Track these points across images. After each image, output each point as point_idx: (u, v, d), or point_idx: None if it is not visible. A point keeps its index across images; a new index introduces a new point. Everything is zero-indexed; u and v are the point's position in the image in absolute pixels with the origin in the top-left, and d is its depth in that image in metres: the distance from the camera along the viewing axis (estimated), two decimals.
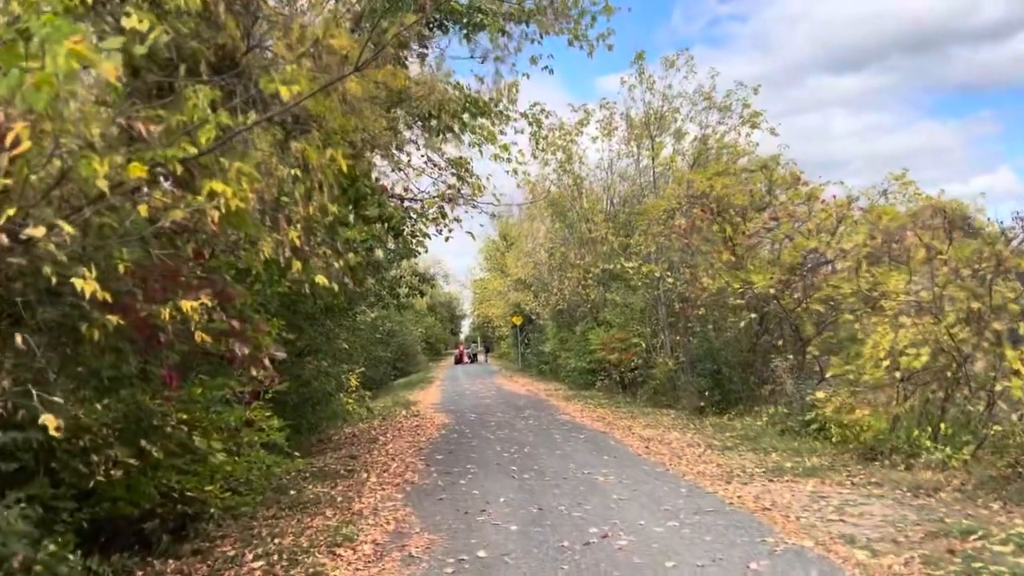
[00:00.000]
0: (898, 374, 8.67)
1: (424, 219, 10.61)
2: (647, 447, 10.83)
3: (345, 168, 4.93)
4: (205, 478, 6.44)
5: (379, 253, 12.33)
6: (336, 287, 6.14)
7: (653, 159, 18.17)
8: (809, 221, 12.32)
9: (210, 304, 4.95)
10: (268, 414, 9.87)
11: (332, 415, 15.06)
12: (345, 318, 14.08)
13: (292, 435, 13.48)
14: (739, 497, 7.30)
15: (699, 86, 19.53)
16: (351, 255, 9.19)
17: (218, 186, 4.28)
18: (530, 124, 13.79)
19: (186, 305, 4.72)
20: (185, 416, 6.13)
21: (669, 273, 18.05)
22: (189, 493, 6.24)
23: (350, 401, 17.20)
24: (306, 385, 13.49)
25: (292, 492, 8.38)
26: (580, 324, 24.34)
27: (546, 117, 14.21)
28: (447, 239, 11.19)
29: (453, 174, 11.72)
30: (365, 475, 9.41)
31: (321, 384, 13.84)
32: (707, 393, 14.86)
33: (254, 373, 6.07)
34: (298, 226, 5.28)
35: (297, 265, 5.44)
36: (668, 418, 14.62)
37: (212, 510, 6.53)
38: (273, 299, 8.53)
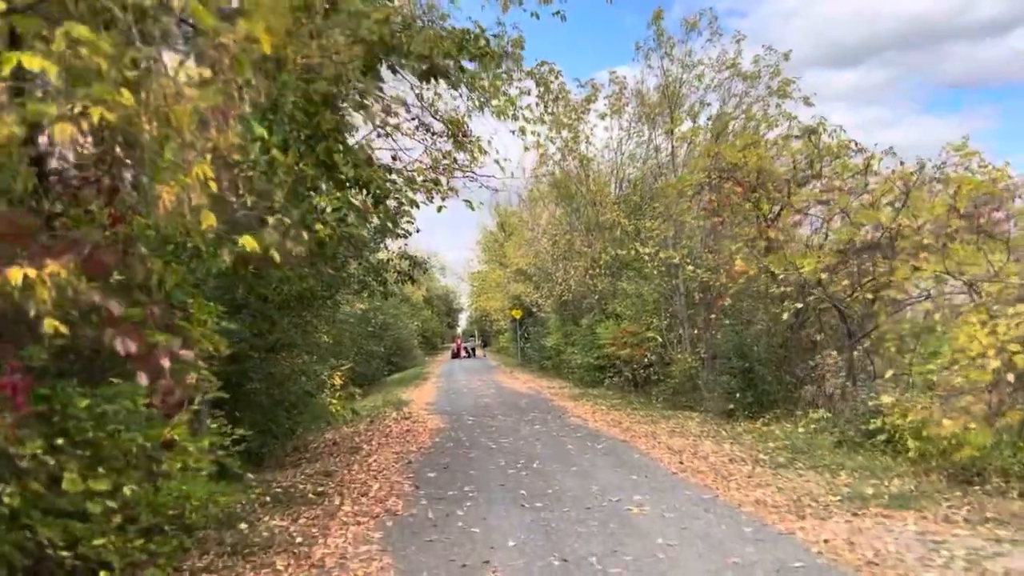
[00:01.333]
0: (1011, 376, 6.84)
1: (412, 186, 8.78)
2: (681, 462, 9.01)
3: (268, 49, 3.08)
4: (98, 524, 4.61)
5: (361, 232, 10.55)
6: (276, 256, 4.36)
7: (672, 131, 16.30)
8: (867, 194, 10.50)
9: (66, 275, 3.22)
10: (222, 428, 8.12)
11: (312, 419, 13.23)
12: (324, 308, 12.23)
13: (263, 444, 11.70)
14: (826, 542, 5.48)
15: (722, 52, 17.65)
16: (320, 226, 7.44)
17: (33, 61, 2.49)
18: (537, 85, 11.97)
19: (14, 275, 2.99)
20: (62, 440, 4.30)
21: (688, 260, 16.24)
22: (81, 548, 4.44)
23: (334, 402, 15.40)
24: (279, 385, 11.68)
25: (243, 526, 6.55)
26: (587, 317, 22.53)
27: (555, 78, 12.35)
28: (440, 209, 9.37)
29: (449, 136, 9.88)
30: (338, 501, 7.57)
31: (296, 384, 12.03)
32: (737, 395, 13.05)
33: (169, 380, 4.41)
34: (207, 159, 3.47)
35: (210, 219, 3.63)
36: (693, 423, 12.82)
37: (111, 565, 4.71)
38: (208, 278, 6.67)
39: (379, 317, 31.59)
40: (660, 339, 17.38)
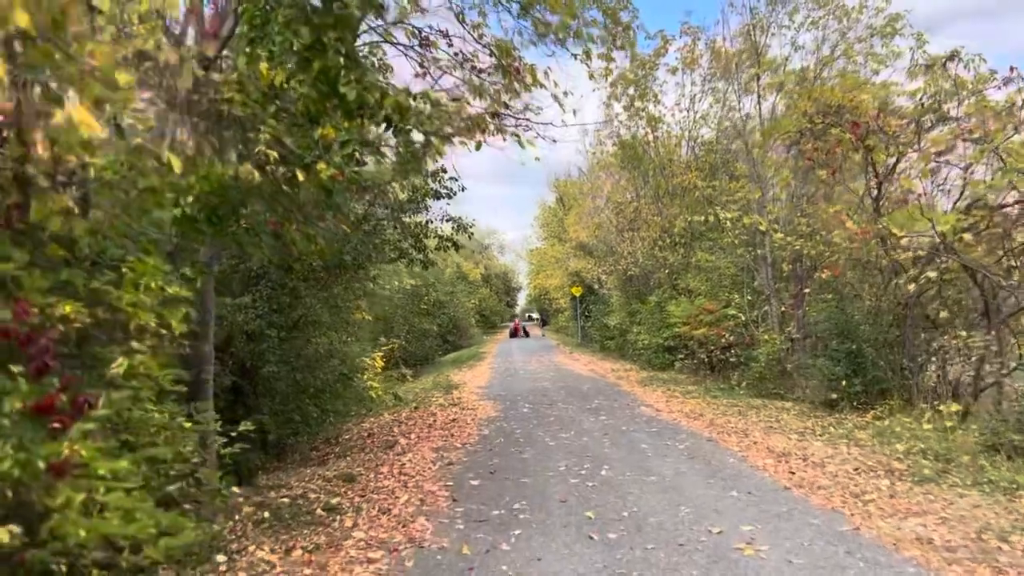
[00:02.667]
0: None
1: (441, 114, 6.95)
2: (791, 472, 7.07)
3: None
4: None
5: (378, 175, 8.82)
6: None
7: (758, 76, 14.07)
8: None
9: None
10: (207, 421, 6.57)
11: (346, 406, 11.70)
12: (356, 280, 10.59)
13: (283, 436, 10.19)
14: None
15: None
16: (322, 166, 5.75)
17: None
18: (605, 16, 9.97)
19: None
20: None
21: (777, 226, 14.09)
22: None
23: (375, 386, 13.86)
24: (304, 369, 10.13)
25: (220, 558, 4.94)
26: (655, 293, 20.48)
27: (635, 18, 10.28)
28: (479, 146, 7.54)
29: (497, 68, 8.04)
30: (350, 522, 5.90)
31: (326, 367, 10.48)
32: (843, 382, 10.95)
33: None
34: None
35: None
36: (789, 415, 10.80)
37: None
38: (161, 228, 5.02)
39: (432, 294, 30.11)
40: (743, 317, 15.27)
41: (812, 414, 11.00)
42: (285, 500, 6.68)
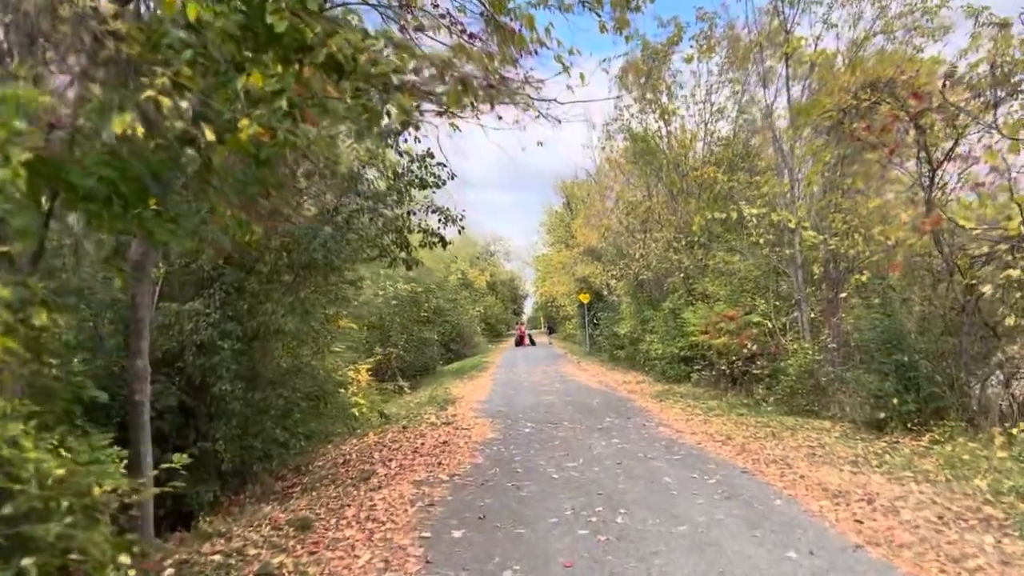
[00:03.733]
0: None
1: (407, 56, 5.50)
2: (856, 518, 5.60)
3: None
4: None
5: (373, 177, 7.49)
6: None
7: (786, 57, 12.57)
8: None
9: None
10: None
11: (319, 429, 10.29)
12: (330, 283, 9.17)
13: (241, 465, 8.77)
14: None
15: None
16: (244, 121, 4.36)
17: None
18: None
19: None
20: None
21: (807, 223, 12.63)
22: None
23: (360, 402, 12.44)
24: (266, 387, 8.72)
25: None
26: (669, 299, 18.98)
27: None
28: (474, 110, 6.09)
29: (487, 20, 6.66)
30: None
31: (294, 384, 9.07)
32: (894, 399, 9.47)
33: None
34: None
35: None
36: (832, 438, 9.31)
37: None
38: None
39: (433, 300, 28.70)
40: (769, 324, 13.78)
41: (856, 436, 9.52)
42: (216, 558, 5.24)
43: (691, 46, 17.87)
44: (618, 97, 18.34)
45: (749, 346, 14.96)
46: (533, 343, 50.74)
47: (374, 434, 11.73)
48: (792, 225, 12.68)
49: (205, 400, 8.37)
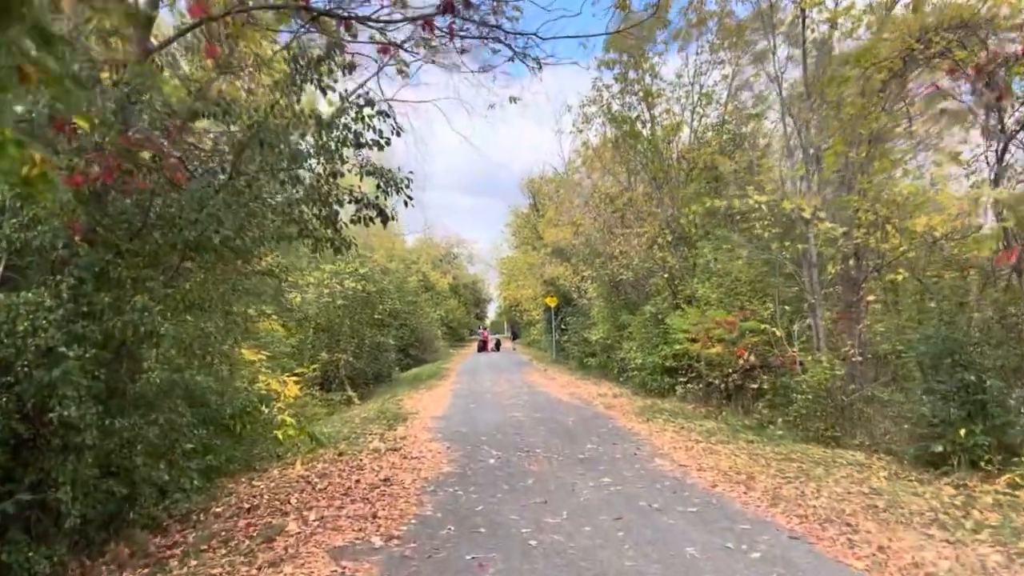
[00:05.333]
0: None
1: None
2: None
3: None
4: None
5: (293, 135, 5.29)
6: None
7: (803, 12, 10.51)
8: None
9: None
10: None
11: (226, 460, 7.99)
12: (231, 270, 6.84)
13: (110, 515, 6.41)
14: None
15: None
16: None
17: None
18: None
19: None
20: None
21: (822, 212, 10.72)
22: None
23: (287, 421, 10.15)
24: (132, 408, 6.38)
25: None
26: (651, 302, 16.94)
27: None
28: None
29: None
30: None
31: (167, 407, 6.73)
32: (960, 431, 7.50)
33: None
34: None
35: None
36: (881, 478, 7.30)
37: None
38: None
39: (388, 302, 26.34)
40: (777, 332, 11.79)
41: (910, 476, 7.54)
42: None
43: (679, 17, 15.95)
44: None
45: (746, 357, 13.01)
46: (498, 349, 48.51)
47: (302, 463, 9.41)
48: (806, 215, 10.72)
49: (48, 428, 6.02)
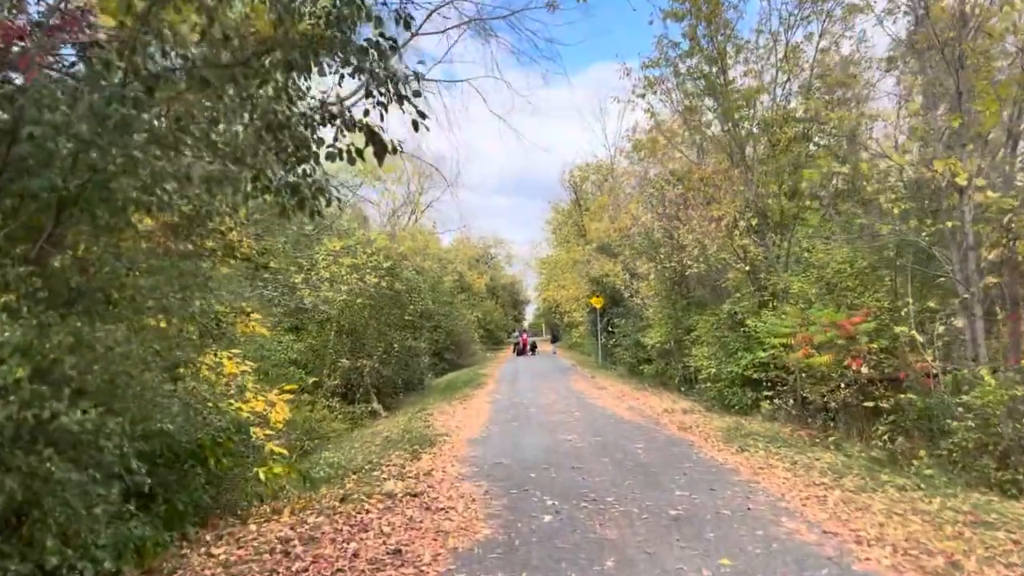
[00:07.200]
0: None
1: None
2: None
3: None
4: None
5: None
6: None
7: None
8: None
9: None
10: None
11: (182, 511, 5.60)
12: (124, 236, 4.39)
13: None
14: None
15: None
16: None
17: None
18: None
19: None
20: None
21: (981, 180, 8.00)
22: None
23: (276, 451, 7.79)
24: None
25: None
26: (729, 301, 14.19)
27: None
28: None
29: None
30: None
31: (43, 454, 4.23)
32: None
33: None
34: None
35: None
36: None
37: None
38: None
39: (419, 302, 23.94)
40: (917, 337, 9.02)
41: None
42: None
43: None
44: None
45: (857, 368, 10.29)
46: (535, 351, 45.92)
47: (290, 511, 6.99)
48: (961, 180, 7.98)
49: None
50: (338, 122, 3.97)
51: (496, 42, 26.46)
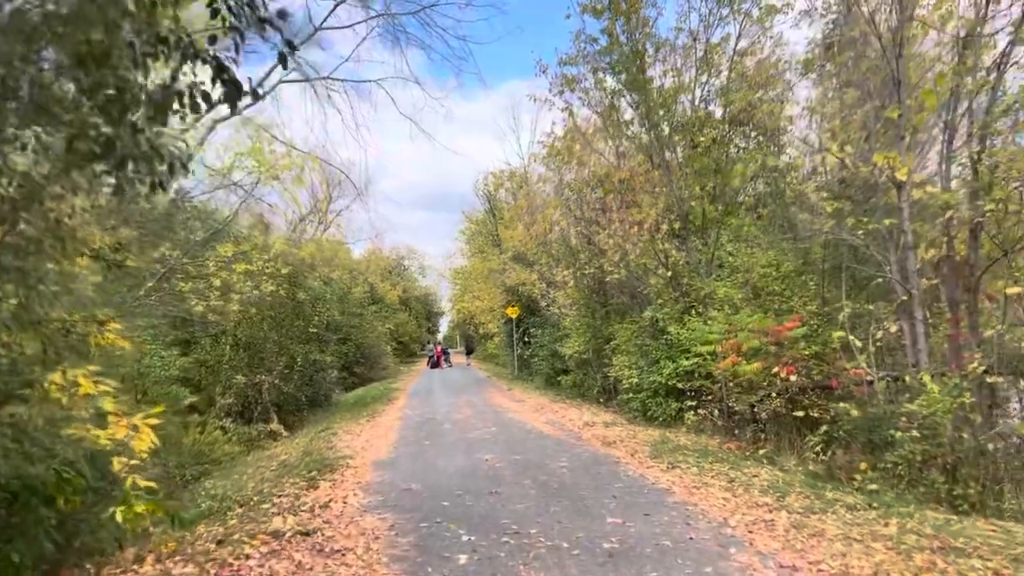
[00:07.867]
0: None
1: None
2: None
3: None
4: None
5: None
6: None
7: None
8: None
9: None
10: None
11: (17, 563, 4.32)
12: None
13: None
14: None
15: None
16: None
17: None
18: None
19: None
20: None
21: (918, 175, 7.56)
22: None
23: (143, 485, 6.47)
24: None
25: None
26: (651, 308, 13.58)
27: None
28: None
29: None
30: None
31: None
32: None
33: None
34: None
35: None
36: None
37: None
38: None
39: (324, 312, 22.56)
40: (856, 342, 8.51)
41: None
42: None
43: None
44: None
45: (787, 376, 9.81)
46: (450, 363, 44.78)
47: (154, 559, 5.80)
48: (902, 176, 7.54)
49: None
50: (176, 55, 2.95)
51: (406, 38, 25.37)
